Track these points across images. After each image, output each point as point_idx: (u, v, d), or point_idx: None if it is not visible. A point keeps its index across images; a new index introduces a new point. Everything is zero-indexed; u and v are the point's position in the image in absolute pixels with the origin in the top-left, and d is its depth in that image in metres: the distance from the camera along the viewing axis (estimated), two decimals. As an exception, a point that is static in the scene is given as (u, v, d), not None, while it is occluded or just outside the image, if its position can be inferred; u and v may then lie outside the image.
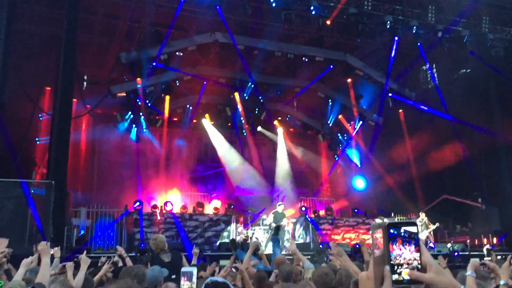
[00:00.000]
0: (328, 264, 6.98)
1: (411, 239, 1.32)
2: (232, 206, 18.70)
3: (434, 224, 16.99)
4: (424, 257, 1.32)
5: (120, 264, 7.47)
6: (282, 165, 22.79)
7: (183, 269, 2.75)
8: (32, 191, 12.60)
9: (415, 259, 1.31)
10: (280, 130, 22.66)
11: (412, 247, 1.32)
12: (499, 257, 11.32)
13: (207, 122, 21.44)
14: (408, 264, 1.31)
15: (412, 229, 1.33)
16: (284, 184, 21.86)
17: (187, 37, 17.53)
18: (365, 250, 5.75)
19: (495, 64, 18.26)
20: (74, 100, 15.66)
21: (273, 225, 15.44)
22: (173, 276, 3.91)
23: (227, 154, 22.34)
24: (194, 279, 2.67)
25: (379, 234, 1.35)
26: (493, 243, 17.11)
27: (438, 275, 1.32)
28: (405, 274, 1.30)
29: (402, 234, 1.32)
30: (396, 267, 1.30)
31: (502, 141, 18.30)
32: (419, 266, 1.31)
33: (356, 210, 20.17)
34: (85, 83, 17.70)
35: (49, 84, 16.97)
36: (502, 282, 3.97)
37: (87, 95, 17.43)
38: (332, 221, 18.89)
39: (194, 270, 2.73)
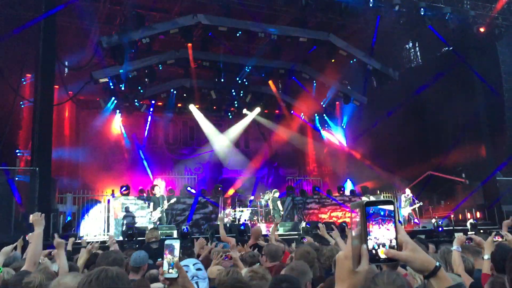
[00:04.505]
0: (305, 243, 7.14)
1: (389, 217, 1.34)
2: (219, 188, 18.73)
3: (418, 202, 17.24)
4: (400, 235, 1.34)
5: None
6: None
7: (166, 241, 2.50)
8: (17, 179, 12.50)
9: (391, 238, 1.33)
10: (257, 110, 22.64)
11: (390, 226, 1.34)
12: (481, 231, 11.58)
13: (193, 107, 21.37)
14: (384, 243, 1.33)
15: (389, 207, 1.34)
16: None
17: (169, 20, 17.28)
18: (324, 234, 5.89)
19: (477, 40, 18.36)
20: (56, 86, 15.45)
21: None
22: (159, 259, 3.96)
23: (214, 137, 22.34)
24: (176, 253, 2.47)
25: (357, 213, 1.36)
26: (477, 217, 17.44)
27: (414, 253, 1.35)
28: (381, 252, 1.32)
29: (380, 212, 1.34)
30: (373, 245, 1.32)
31: (484, 116, 18.54)
32: (395, 246, 1.33)
33: (342, 189, 20.37)
34: (66, 69, 17.41)
35: (29, 71, 16.68)
36: (486, 257, 4.06)
37: (69, 81, 17.16)
38: (319, 201, 19.06)
39: (177, 243, 2.50)
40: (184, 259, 3.10)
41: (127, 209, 15.66)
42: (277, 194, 17.28)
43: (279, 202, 17.08)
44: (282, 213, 17.00)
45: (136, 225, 14.68)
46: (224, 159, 22.45)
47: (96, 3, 16.72)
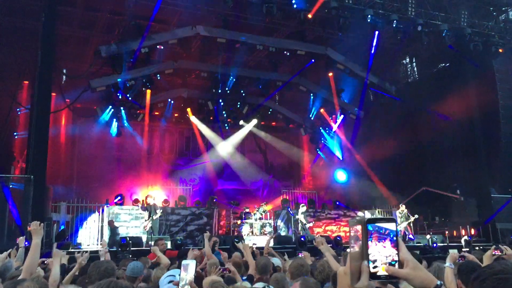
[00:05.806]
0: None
1: (390, 235, 1.34)
2: (214, 200, 18.67)
3: (413, 216, 17.20)
4: (401, 253, 1.34)
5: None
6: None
7: (183, 261, 2.90)
8: (11, 186, 12.42)
9: (392, 255, 1.33)
10: (254, 121, 22.65)
11: (390, 243, 1.34)
12: (477, 248, 11.56)
13: (194, 118, 21.41)
14: (386, 260, 1.33)
15: (391, 225, 1.35)
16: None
17: (168, 30, 17.35)
18: (320, 245, 5.77)
19: (474, 58, 18.51)
20: (53, 94, 15.43)
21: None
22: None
23: (211, 147, 22.36)
24: (191, 271, 2.81)
25: (357, 229, 1.36)
26: (471, 234, 17.43)
27: (415, 270, 1.35)
28: (383, 269, 1.32)
29: (381, 230, 1.34)
30: (373, 262, 1.32)
31: (480, 133, 18.61)
32: (394, 263, 1.33)
33: (337, 203, 20.32)
34: (64, 76, 17.42)
35: (27, 78, 16.67)
36: None
37: (66, 89, 17.17)
38: (314, 214, 19.01)
39: (193, 263, 2.85)
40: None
41: (120, 219, 15.57)
42: (304, 209, 17.18)
43: (302, 216, 16.96)
44: (307, 226, 16.83)
45: (129, 235, 14.56)
46: (219, 170, 22.43)
47: (96, 13, 16.77)
